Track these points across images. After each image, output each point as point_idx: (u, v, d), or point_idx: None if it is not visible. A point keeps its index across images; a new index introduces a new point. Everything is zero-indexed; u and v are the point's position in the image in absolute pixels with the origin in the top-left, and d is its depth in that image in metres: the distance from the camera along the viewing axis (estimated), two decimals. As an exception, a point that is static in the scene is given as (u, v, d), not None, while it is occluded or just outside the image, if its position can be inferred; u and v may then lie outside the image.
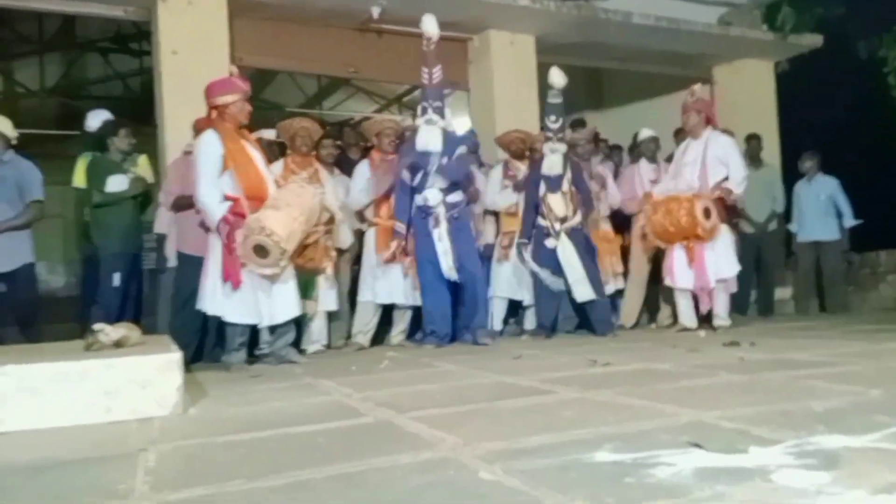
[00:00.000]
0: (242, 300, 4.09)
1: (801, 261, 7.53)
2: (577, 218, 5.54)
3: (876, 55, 8.39)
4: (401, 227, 5.12)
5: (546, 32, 7.29)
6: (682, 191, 5.36)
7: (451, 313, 5.16)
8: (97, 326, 3.20)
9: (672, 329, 5.72)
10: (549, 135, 5.50)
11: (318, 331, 5.15)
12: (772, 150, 8.36)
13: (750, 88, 8.62)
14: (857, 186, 7.54)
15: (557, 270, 5.44)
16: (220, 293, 4.08)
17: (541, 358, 4.11)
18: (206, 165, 4.08)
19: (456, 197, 5.19)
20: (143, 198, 5.33)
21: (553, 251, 5.44)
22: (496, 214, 6.02)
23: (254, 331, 4.32)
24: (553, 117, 5.47)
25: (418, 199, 5.10)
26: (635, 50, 8.01)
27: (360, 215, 5.49)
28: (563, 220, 5.46)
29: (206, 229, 4.24)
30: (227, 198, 4.07)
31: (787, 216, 7.57)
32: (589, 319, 5.63)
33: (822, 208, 7.33)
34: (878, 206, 8.61)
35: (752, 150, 7.34)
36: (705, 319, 5.50)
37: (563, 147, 5.54)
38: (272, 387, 3.45)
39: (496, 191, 5.89)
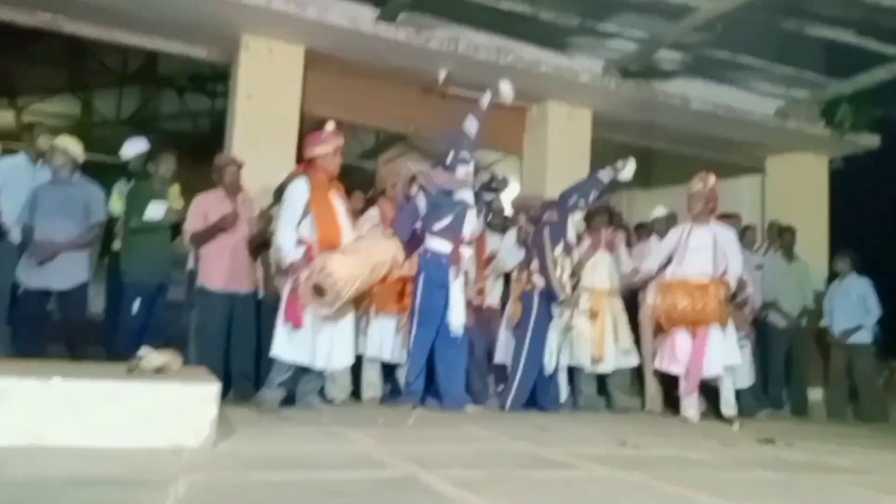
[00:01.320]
0: (300, 340, 4.21)
1: (834, 362, 7.32)
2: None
3: (933, 159, 8.30)
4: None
5: (604, 109, 7.41)
6: (693, 276, 5.37)
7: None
8: (142, 352, 3.28)
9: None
10: (581, 205, 5.75)
11: (344, 378, 5.16)
12: (820, 247, 8.27)
13: (802, 182, 8.58)
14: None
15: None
16: (283, 333, 4.23)
17: (567, 431, 4.06)
18: (290, 210, 4.31)
19: (468, 251, 5.20)
20: (174, 228, 5.31)
21: (549, 314, 5.40)
22: (506, 277, 6.00)
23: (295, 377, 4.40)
24: (596, 193, 5.76)
25: (437, 249, 5.01)
26: (690, 134, 8.06)
27: None
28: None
29: (284, 272, 4.43)
30: (301, 242, 4.26)
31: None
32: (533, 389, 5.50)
33: (854, 309, 7.17)
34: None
35: (785, 243, 7.27)
36: (674, 403, 5.59)
37: (579, 215, 5.79)
38: (299, 430, 3.48)
39: (507, 254, 5.90)
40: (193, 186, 5.35)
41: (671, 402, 5.80)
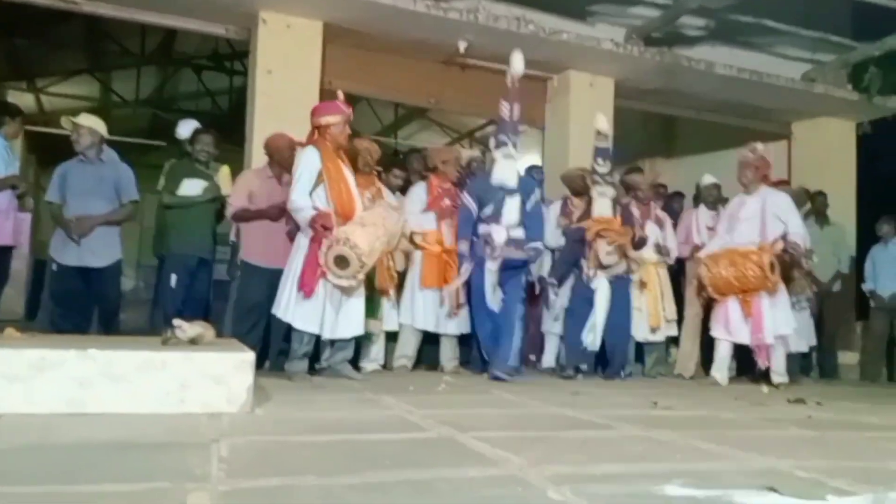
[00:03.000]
0: (311, 309, 4.24)
1: (874, 325, 7.27)
2: (623, 266, 5.46)
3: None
4: (464, 247, 5.11)
5: (626, 77, 7.32)
6: (741, 245, 5.33)
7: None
8: (176, 322, 3.33)
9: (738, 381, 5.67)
10: (597, 178, 5.48)
11: (376, 350, 5.22)
12: (848, 211, 8.16)
13: (829, 147, 8.45)
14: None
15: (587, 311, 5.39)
16: (293, 300, 4.25)
17: (598, 396, 4.08)
18: (303, 176, 4.31)
19: (518, 233, 5.15)
20: (220, 207, 5.38)
21: (589, 292, 5.37)
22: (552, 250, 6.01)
23: (317, 344, 4.43)
24: (601, 160, 5.46)
25: (486, 232, 5.07)
26: (714, 100, 7.95)
27: (410, 239, 5.46)
28: (607, 267, 5.36)
29: (291, 238, 4.47)
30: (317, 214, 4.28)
31: (858, 277, 7.36)
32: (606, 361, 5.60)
33: None
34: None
35: (817, 207, 7.21)
36: (764, 376, 5.41)
37: (611, 191, 5.53)
38: (334, 398, 3.52)
39: (551, 229, 5.89)
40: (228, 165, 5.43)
41: (706, 368, 5.81)
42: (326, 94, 6.19)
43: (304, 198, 4.28)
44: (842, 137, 8.55)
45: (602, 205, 5.45)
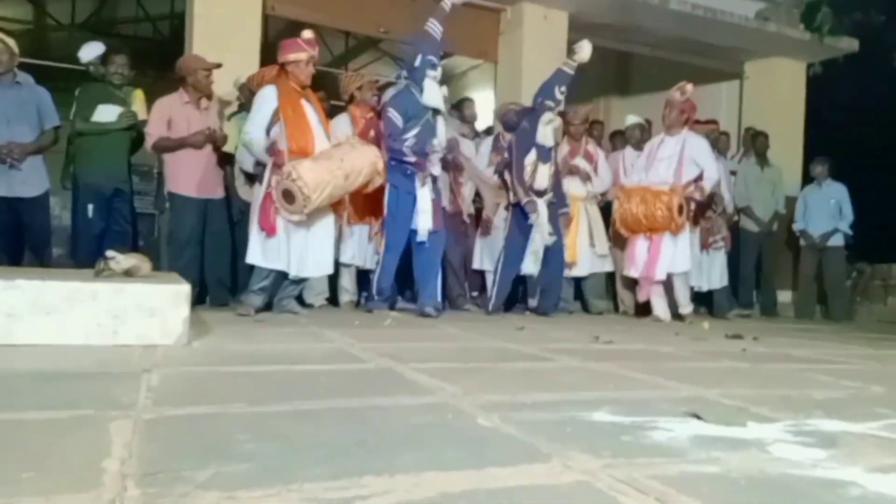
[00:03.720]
0: (273, 247, 4.23)
1: (805, 265, 7.50)
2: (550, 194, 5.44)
3: (912, 67, 8.28)
4: (410, 158, 4.86)
5: (580, 10, 7.22)
6: (655, 184, 5.41)
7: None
8: (109, 254, 3.22)
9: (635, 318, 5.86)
10: (549, 104, 5.34)
11: (319, 283, 5.17)
12: (795, 152, 8.31)
13: (780, 87, 8.53)
14: (876, 197, 7.48)
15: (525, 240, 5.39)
16: (257, 240, 4.25)
17: (543, 332, 4.13)
18: (258, 113, 4.30)
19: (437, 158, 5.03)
20: (136, 135, 5.07)
21: (526, 221, 5.34)
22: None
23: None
24: (563, 88, 5.35)
25: (428, 146, 4.87)
26: (668, 37, 7.92)
27: None
28: (543, 193, 5.35)
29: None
30: (272, 151, 4.23)
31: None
32: (530, 294, 5.65)
33: (829, 213, 7.29)
34: (894, 220, 8.56)
35: (758, 147, 7.31)
36: (644, 308, 5.69)
37: (558, 120, 5.50)
38: (276, 331, 3.49)
39: (483, 165, 5.83)
40: (156, 93, 5.14)
41: (642, 304, 5.90)
42: (270, 20, 5.97)
43: (258, 131, 4.24)
44: (793, 78, 8.63)
45: (547, 132, 5.38)
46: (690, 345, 3.70)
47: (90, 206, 4.82)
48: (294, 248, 4.27)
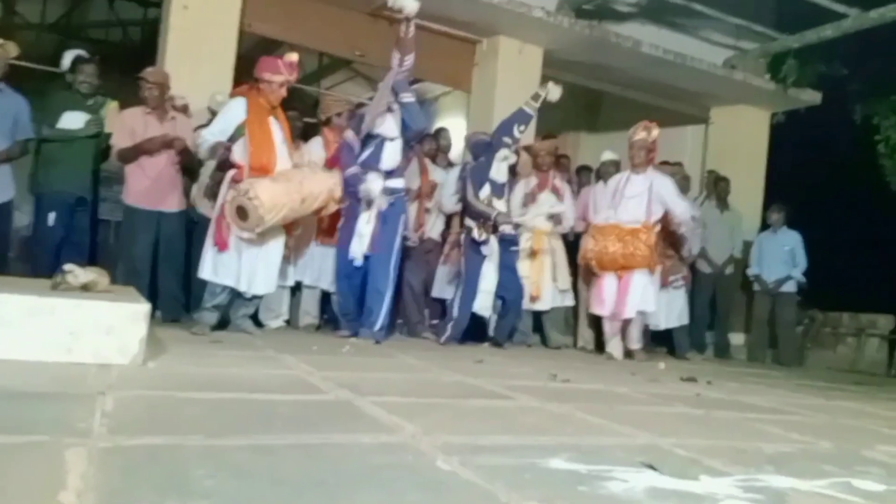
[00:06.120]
0: (225, 262, 4.21)
1: (758, 309, 7.65)
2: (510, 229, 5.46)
3: (870, 121, 8.56)
4: (354, 170, 4.84)
5: (555, 47, 7.34)
6: (626, 222, 5.50)
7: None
8: (67, 267, 3.17)
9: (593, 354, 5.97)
10: (507, 141, 5.42)
11: (278, 305, 5.14)
12: (755, 198, 8.51)
13: (744, 134, 8.76)
14: (830, 247, 7.69)
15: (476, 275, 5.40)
16: (209, 255, 4.24)
17: (502, 366, 4.14)
18: (222, 120, 4.31)
19: (397, 183, 5.00)
20: (105, 144, 5.03)
21: (481, 254, 5.37)
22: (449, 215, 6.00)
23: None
24: (522, 127, 5.46)
25: (360, 190, 4.84)
26: (639, 78, 8.09)
27: None
28: (496, 229, 5.37)
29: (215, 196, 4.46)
30: (233, 165, 4.24)
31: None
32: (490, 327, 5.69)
33: (783, 260, 7.46)
34: (847, 270, 8.82)
35: (720, 192, 7.50)
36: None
37: (514, 158, 5.58)
38: (233, 354, 3.44)
39: (450, 192, 5.87)
40: (124, 100, 5.09)
41: (601, 342, 5.97)
42: (246, 37, 5.96)
43: (212, 135, 4.23)
44: (756, 126, 8.87)
45: (502, 168, 5.45)
46: (646, 386, 3.75)
47: (51, 215, 4.76)
48: (245, 264, 4.25)
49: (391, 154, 4.93)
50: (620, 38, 7.30)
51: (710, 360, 7.01)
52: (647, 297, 5.56)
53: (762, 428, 2.71)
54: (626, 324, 5.61)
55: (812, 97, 8.49)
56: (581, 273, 6.17)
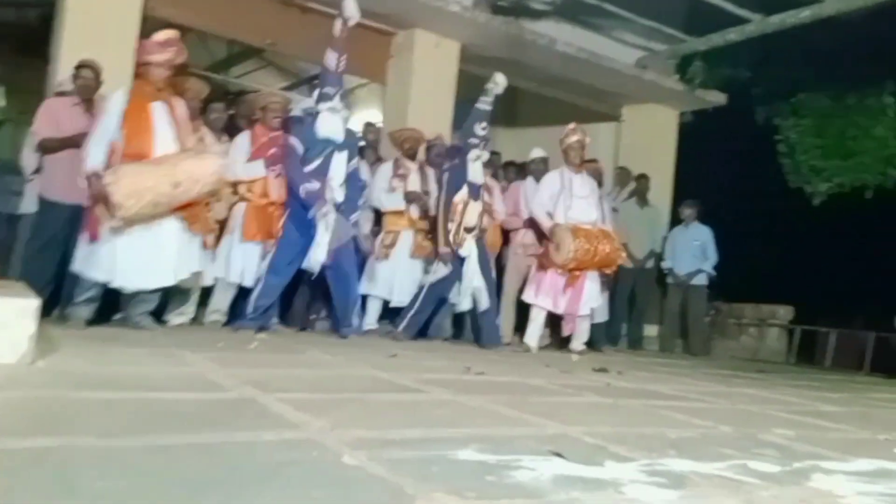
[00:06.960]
0: (98, 256, 3.99)
1: (670, 301, 7.92)
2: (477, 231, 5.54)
3: (771, 122, 8.98)
4: (312, 186, 4.79)
5: (472, 42, 7.36)
6: (585, 223, 5.64)
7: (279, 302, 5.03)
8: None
9: (549, 348, 6.05)
10: (474, 142, 5.46)
11: (182, 301, 4.92)
12: (664, 194, 8.78)
13: (654, 132, 9.02)
14: (734, 241, 8.02)
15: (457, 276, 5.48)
16: (82, 246, 4.05)
17: (416, 359, 4.11)
18: (104, 122, 4.11)
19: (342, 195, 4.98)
20: None
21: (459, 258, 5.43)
22: (376, 211, 5.96)
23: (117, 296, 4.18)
24: (484, 124, 5.48)
25: (311, 189, 4.80)
26: (554, 76, 8.20)
27: (234, 188, 5.14)
28: (472, 229, 5.43)
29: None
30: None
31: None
32: (471, 329, 5.80)
33: (693, 254, 7.73)
34: (750, 262, 9.23)
35: (640, 188, 7.73)
36: (565, 342, 5.89)
37: (486, 156, 5.64)
38: (130, 351, 3.26)
39: (383, 189, 5.81)
40: (17, 82, 4.82)
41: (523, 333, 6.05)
42: (150, 21, 5.70)
43: (97, 146, 4.04)
44: (666, 124, 9.16)
45: (478, 169, 5.49)
46: (559, 378, 3.80)
47: None
48: (121, 257, 4.01)
49: (339, 165, 4.91)
50: (536, 35, 7.39)
51: (624, 351, 7.19)
52: (596, 293, 5.79)
53: (667, 415, 2.78)
54: (571, 321, 5.72)
55: (718, 98, 8.82)
56: (508, 266, 6.28)
